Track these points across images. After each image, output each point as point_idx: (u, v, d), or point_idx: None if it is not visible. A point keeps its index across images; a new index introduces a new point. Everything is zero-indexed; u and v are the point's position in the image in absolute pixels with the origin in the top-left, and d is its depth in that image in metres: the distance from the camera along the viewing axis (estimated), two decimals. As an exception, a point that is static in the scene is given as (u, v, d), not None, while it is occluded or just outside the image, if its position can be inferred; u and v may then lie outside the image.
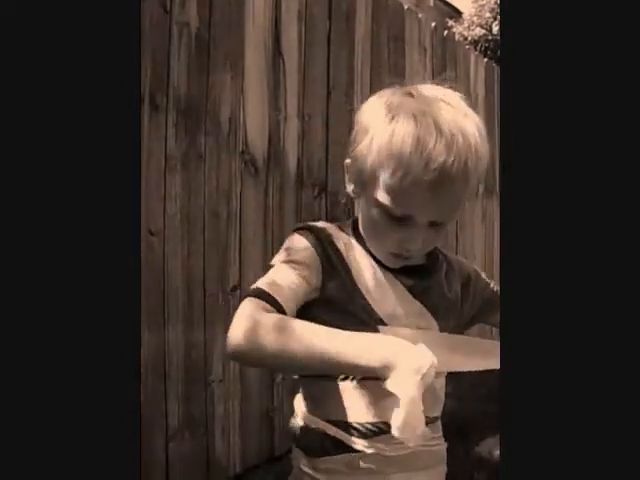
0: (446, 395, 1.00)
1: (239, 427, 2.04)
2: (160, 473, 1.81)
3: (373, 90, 0.98)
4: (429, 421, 0.92)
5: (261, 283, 0.88)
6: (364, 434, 0.92)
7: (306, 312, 0.89)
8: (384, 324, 0.91)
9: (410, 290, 0.96)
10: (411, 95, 0.91)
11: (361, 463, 0.93)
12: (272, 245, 2.13)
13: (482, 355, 0.87)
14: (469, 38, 8.82)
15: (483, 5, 9.39)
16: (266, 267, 0.94)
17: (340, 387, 0.93)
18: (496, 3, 8.90)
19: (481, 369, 0.86)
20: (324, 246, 0.94)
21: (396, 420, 0.75)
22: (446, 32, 3.58)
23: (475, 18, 9.21)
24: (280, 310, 0.85)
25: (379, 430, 0.92)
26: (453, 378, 0.98)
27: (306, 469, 0.97)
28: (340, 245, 0.95)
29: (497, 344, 0.78)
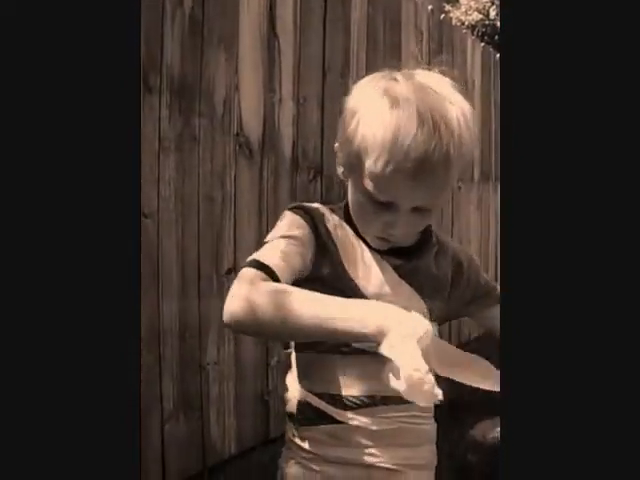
0: (441, 379, 1.01)
1: (234, 409, 2.05)
2: (156, 455, 1.81)
3: (369, 73, 0.97)
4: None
5: (257, 255, 0.89)
6: (348, 406, 0.94)
7: None
8: None
9: (397, 270, 0.96)
10: (397, 81, 0.91)
11: (343, 434, 0.94)
12: (267, 228, 2.11)
13: (480, 374, 0.84)
14: (466, 23, 8.75)
15: (481, -10, 9.30)
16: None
17: (326, 359, 0.94)
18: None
19: (474, 385, 0.83)
20: (317, 225, 0.95)
21: (399, 385, 0.75)
22: (443, 16, 3.56)
23: (472, 2, 9.14)
24: (276, 280, 0.86)
25: (363, 403, 0.93)
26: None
27: (293, 438, 1.00)
28: (330, 226, 0.96)
29: (495, 370, 0.78)
